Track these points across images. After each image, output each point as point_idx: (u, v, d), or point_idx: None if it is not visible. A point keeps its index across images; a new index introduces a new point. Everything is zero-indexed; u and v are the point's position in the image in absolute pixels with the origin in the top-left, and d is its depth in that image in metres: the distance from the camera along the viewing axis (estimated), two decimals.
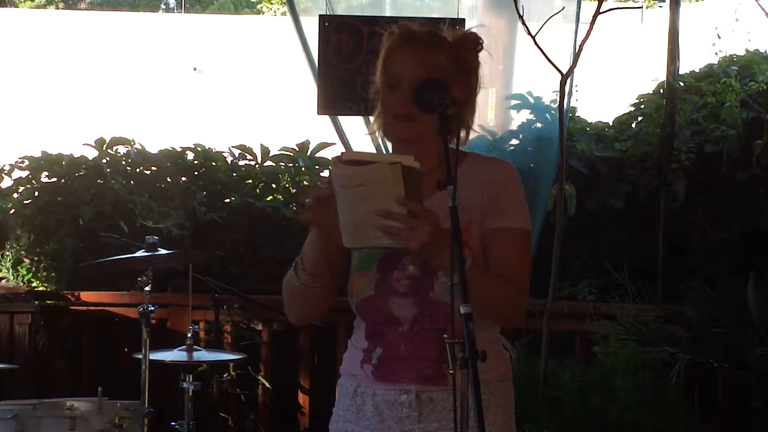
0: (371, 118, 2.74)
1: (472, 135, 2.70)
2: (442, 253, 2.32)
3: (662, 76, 6.24)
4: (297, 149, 6.63)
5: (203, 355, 4.68)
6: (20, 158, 6.54)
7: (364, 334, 2.67)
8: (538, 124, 5.87)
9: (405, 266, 2.59)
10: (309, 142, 6.62)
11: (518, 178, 2.65)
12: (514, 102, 5.89)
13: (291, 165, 6.60)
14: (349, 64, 5.58)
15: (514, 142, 5.96)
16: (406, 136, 2.57)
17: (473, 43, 2.65)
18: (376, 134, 2.71)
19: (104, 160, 6.46)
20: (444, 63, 2.57)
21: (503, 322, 2.71)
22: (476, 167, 2.63)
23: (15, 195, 6.48)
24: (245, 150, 6.67)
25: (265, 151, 6.66)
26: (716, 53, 6.67)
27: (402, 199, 2.32)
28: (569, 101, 5.67)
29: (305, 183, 6.53)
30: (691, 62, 6.70)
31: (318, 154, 6.62)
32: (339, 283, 2.68)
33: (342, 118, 5.82)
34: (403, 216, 2.33)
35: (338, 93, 5.61)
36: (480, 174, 2.62)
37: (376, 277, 2.62)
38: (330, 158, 6.72)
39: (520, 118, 5.95)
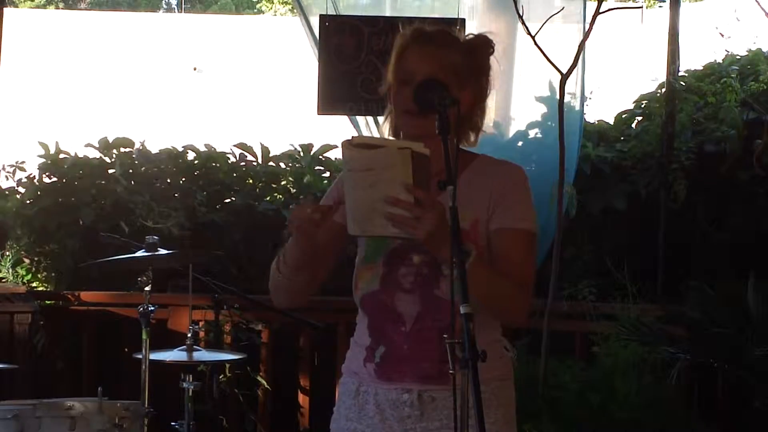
0: (380, 119, 2.75)
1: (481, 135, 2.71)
2: (447, 245, 2.31)
3: (662, 76, 6.24)
4: (300, 150, 6.63)
5: (203, 355, 4.67)
6: (22, 158, 6.55)
7: (366, 331, 2.68)
8: (550, 123, 5.85)
9: (412, 262, 2.60)
10: (312, 145, 6.62)
11: (526, 181, 2.66)
12: (539, 97, 5.86)
13: (292, 165, 6.60)
14: (349, 65, 5.57)
15: (520, 143, 5.95)
16: (416, 132, 2.57)
17: (485, 46, 2.68)
18: (387, 135, 2.71)
19: (105, 161, 6.47)
20: (457, 62, 2.59)
21: (506, 320, 2.71)
22: (485, 169, 2.65)
23: (16, 195, 6.49)
24: (246, 149, 6.66)
25: (265, 151, 6.66)
26: (725, 50, 6.67)
27: (410, 186, 2.31)
28: (582, 105, 5.66)
29: (306, 182, 6.53)
30: (691, 62, 6.71)
31: (319, 156, 6.61)
32: (325, 278, 2.70)
33: (359, 118, 5.78)
34: (410, 204, 2.32)
35: (339, 93, 5.61)
36: (488, 175, 2.63)
37: (381, 271, 2.63)
38: (332, 159, 6.74)
39: (520, 118, 5.94)
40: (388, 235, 2.42)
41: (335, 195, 2.65)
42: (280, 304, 2.75)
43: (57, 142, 6.52)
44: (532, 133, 5.95)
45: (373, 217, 2.36)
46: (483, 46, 2.67)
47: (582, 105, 5.72)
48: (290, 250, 2.58)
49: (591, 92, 5.96)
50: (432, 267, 2.58)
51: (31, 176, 6.49)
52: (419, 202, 2.32)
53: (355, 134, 5.83)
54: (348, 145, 2.35)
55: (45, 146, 6.49)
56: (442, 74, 2.54)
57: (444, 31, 2.65)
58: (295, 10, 6.00)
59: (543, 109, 5.88)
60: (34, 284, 6.39)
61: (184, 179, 6.53)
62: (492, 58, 2.68)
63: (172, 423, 4.63)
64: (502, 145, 5.83)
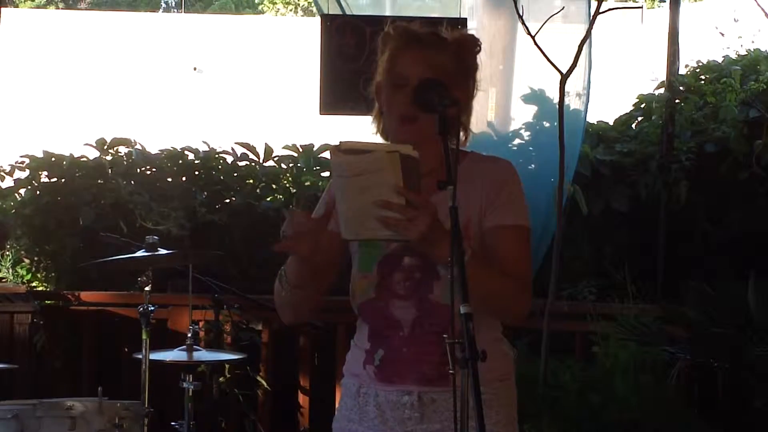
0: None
1: (477, 134, 2.71)
2: (441, 245, 2.31)
3: (662, 76, 6.24)
4: (300, 149, 6.63)
5: (203, 355, 4.67)
6: (21, 158, 6.55)
7: (366, 336, 2.67)
8: (545, 123, 5.85)
9: (405, 268, 2.59)
10: (313, 145, 6.62)
11: (517, 177, 2.65)
12: (524, 96, 5.85)
13: (292, 165, 6.60)
14: (352, 64, 5.58)
15: (517, 141, 5.95)
16: (410, 137, 2.55)
17: (472, 44, 2.67)
18: (375, 135, 2.71)
19: (105, 160, 6.47)
20: (448, 64, 2.58)
21: (506, 318, 2.70)
22: (475, 166, 2.63)
23: (15, 195, 6.48)
24: (249, 148, 6.66)
25: (268, 150, 6.66)
26: (725, 49, 6.67)
27: (400, 188, 2.31)
28: (586, 105, 5.65)
29: (307, 183, 6.53)
30: (691, 62, 6.71)
31: (319, 156, 6.61)
32: (331, 285, 2.68)
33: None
34: (402, 206, 2.32)
35: (341, 93, 5.61)
36: (479, 173, 2.62)
37: (376, 279, 2.63)
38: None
39: (522, 117, 5.93)
40: (381, 238, 2.42)
41: (328, 201, 2.63)
42: (287, 320, 2.73)
43: (44, 151, 6.51)
44: (531, 133, 5.94)
45: (365, 221, 2.36)
46: (471, 45, 2.66)
47: (586, 105, 5.70)
48: (290, 267, 2.58)
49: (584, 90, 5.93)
50: (425, 271, 2.57)
51: (31, 176, 6.48)
52: (411, 204, 2.32)
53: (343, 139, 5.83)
54: (336, 151, 2.35)
55: (31, 158, 6.48)
56: (435, 76, 2.53)
57: (433, 33, 2.63)
58: (296, 10, 6.00)
59: (542, 108, 5.87)
60: (34, 284, 6.39)
61: (184, 179, 6.53)
62: (478, 57, 2.67)
63: (172, 423, 4.63)
64: (501, 145, 5.83)
